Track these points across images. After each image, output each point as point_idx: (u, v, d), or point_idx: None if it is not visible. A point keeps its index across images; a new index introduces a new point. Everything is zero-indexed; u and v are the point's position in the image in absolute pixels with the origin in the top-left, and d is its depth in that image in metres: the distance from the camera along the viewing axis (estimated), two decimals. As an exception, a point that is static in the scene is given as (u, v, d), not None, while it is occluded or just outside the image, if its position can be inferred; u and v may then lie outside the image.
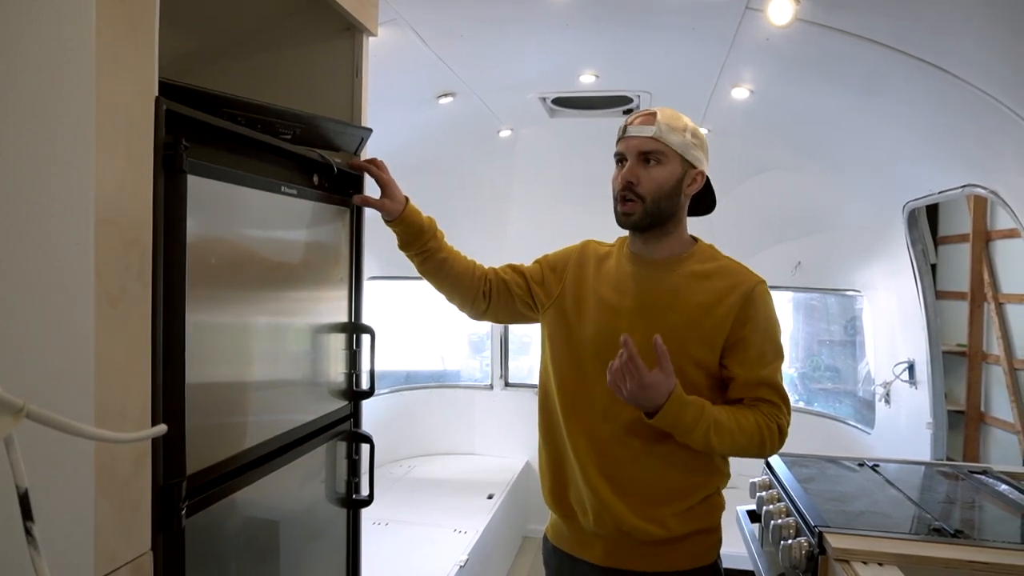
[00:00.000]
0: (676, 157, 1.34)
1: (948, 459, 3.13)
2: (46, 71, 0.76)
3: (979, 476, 2.13)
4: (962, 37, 1.81)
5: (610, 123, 1.41)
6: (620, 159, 1.39)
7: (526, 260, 1.58)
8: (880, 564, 1.51)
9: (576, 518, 1.39)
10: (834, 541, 1.58)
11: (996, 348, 3.43)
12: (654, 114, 1.35)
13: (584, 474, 1.35)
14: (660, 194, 1.34)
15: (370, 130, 1.50)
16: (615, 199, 1.38)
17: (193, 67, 1.56)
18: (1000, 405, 3.43)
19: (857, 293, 3.70)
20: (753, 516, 2.12)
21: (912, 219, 3.00)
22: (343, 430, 1.48)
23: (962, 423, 3.62)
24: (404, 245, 1.49)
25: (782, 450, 1.37)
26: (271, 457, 1.20)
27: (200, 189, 0.97)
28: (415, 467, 4.07)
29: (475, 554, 2.88)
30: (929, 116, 2.32)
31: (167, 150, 0.90)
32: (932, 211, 3.88)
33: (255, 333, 1.17)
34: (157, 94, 0.90)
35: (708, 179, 1.42)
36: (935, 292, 3.16)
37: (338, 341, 1.46)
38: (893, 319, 3.37)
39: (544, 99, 3.14)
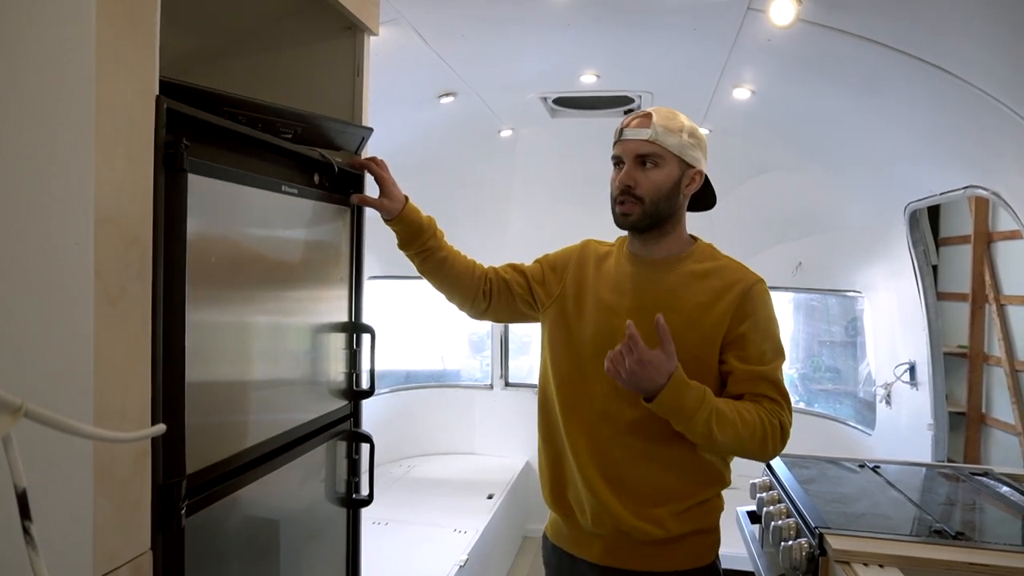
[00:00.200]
0: (673, 159, 1.34)
1: (949, 461, 3.12)
2: (46, 70, 0.75)
3: (980, 478, 2.13)
4: (962, 37, 1.81)
5: (611, 123, 1.41)
6: (617, 162, 1.38)
7: (526, 260, 1.58)
8: (881, 566, 1.51)
9: (575, 517, 1.39)
10: (834, 542, 1.58)
11: (997, 349, 3.43)
12: (650, 116, 1.34)
13: (583, 474, 1.35)
14: (658, 196, 1.34)
15: (371, 129, 1.50)
16: (613, 201, 1.38)
17: (194, 66, 1.56)
18: (1001, 407, 3.43)
19: (858, 294, 3.69)
20: (753, 517, 2.12)
21: (913, 220, 2.99)
22: (343, 430, 1.48)
23: (963, 424, 3.62)
24: (403, 244, 1.49)
25: (782, 450, 1.36)
26: (271, 456, 1.20)
27: (201, 188, 0.97)
28: (415, 467, 4.07)
29: (475, 554, 2.88)
30: (930, 116, 2.31)
31: (168, 149, 0.90)
32: (934, 212, 3.88)
33: (255, 332, 1.17)
34: (158, 93, 0.89)
35: (707, 177, 1.41)
36: (936, 293, 3.15)
37: (338, 340, 1.46)
38: (894, 320, 3.37)
39: (545, 99, 3.14)
